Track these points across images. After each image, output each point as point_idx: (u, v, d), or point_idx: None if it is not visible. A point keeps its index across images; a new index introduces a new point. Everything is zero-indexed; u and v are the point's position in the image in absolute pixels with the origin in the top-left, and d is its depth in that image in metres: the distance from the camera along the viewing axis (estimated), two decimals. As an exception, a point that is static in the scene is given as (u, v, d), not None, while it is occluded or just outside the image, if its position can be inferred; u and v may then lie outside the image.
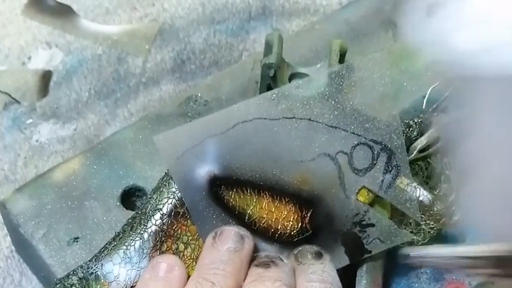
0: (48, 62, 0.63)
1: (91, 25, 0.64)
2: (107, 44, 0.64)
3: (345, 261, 0.46)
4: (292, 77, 0.50)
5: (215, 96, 0.52)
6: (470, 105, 0.26)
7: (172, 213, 0.44)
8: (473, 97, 0.26)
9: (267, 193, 0.45)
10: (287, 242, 0.46)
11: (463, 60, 0.23)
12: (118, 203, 0.48)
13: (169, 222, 0.44)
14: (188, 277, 0.43)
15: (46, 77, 0.62)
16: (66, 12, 0.64)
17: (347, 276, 0.47)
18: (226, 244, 0.43)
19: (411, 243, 0.46)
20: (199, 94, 0.53)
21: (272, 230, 0.45)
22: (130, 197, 0.49)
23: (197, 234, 0.45)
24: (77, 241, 0.47)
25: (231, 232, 0.44)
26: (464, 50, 0.23)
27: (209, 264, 0.42)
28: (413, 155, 0.49)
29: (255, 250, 0.45)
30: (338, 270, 0.45)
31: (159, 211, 0.44)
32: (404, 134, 0.49)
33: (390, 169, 0.46)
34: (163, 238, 0.44)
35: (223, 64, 0.63)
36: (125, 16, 0.65)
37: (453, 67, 0.23)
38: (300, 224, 0.45)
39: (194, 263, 0.44)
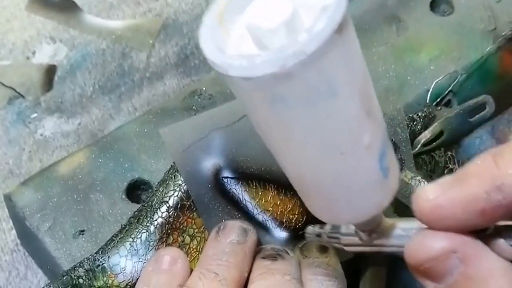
0: (52, 57, 0.63)
1: (95, 20, 0.65)
2: (111, 39, 0.64)
3: (349, 254, 0.47)
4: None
5: (219, 90, 0.52)
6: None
7: (178, 206, 0.44)
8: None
9: (272, 186, 0.45)
10: (292, 235, 0.46)
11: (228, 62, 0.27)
12: (123, 196, 0.48)
13: (175, 214, 0.44)
14: (193, 270, 0.44)
15: (50, 71, 0.62)
16: (70, 7, 0.65)
17: (350, 269, 0.47)
18: (229, 237, 0.44)
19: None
20: (204, 88, 0.53)
21: (277, 223, 0.46)
22: (135, 190, 0.49)
23: (203, 226, 0.45)
24: (83, 234, 0.47)
25: (234, 226, 0.44)
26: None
27: (212, 256, 0.43)
28: (417, 149, 0.49)
29: (260, 243, 0.45)
30: (342, 264, 0.45)
31: (165, 204, 0.44)
32: (408, 128, 0.49)
33: (394, 162, 0.46)
34: (169, 231, 0.44)
35: (227, 59, 0.63)
36: (129, 11, 0.65)
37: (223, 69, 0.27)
38: (305, 217, 0.45)
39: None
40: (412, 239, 0.33)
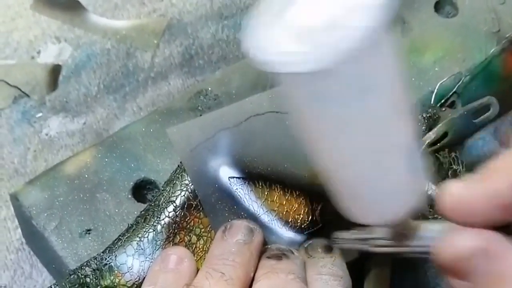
0: (57, 57, 0.63)
1: (100, 19, 0.65)
2: (116, 38, 0.64)
3: (354, 254, 0.47)
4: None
5: (225, 90, 0.53)
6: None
7: (185, 205, 0.44)
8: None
9: (278, 186, 0.45)
10: (297, 235, 0.46)
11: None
12: (129, 196, 0.48)
13: (182, 214, 0.44)
14: (199, 269, 0.44)
15: (55, 71, 0.62)
16: (75, 7, 0.65)
17: (355, 269, 0.47)
18: (236, 236, 0.44)
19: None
20: (209, 89, 0.53)
21: (283, 223, 0.46)
22: (141, 190, 0.49)
23: (209, 226, 0.45)
24: (89, 233, 0.47)
25: (240, 226, 0.44)
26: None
27: (219, 256, 0.43)
28: (421, 150, 0.49)
29: (265, 243, 0.45)
30: (346, 264, 0.45)
31: (172, 203, 0.44)
32: (413, 129, 0.49)
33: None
34: (176, 230, 0.44)
35: (231, 59, 0.64)
36: (134, 11, 0.66)
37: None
38: (310, 217, 0.46)
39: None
40: (439, 239, 0.34)
